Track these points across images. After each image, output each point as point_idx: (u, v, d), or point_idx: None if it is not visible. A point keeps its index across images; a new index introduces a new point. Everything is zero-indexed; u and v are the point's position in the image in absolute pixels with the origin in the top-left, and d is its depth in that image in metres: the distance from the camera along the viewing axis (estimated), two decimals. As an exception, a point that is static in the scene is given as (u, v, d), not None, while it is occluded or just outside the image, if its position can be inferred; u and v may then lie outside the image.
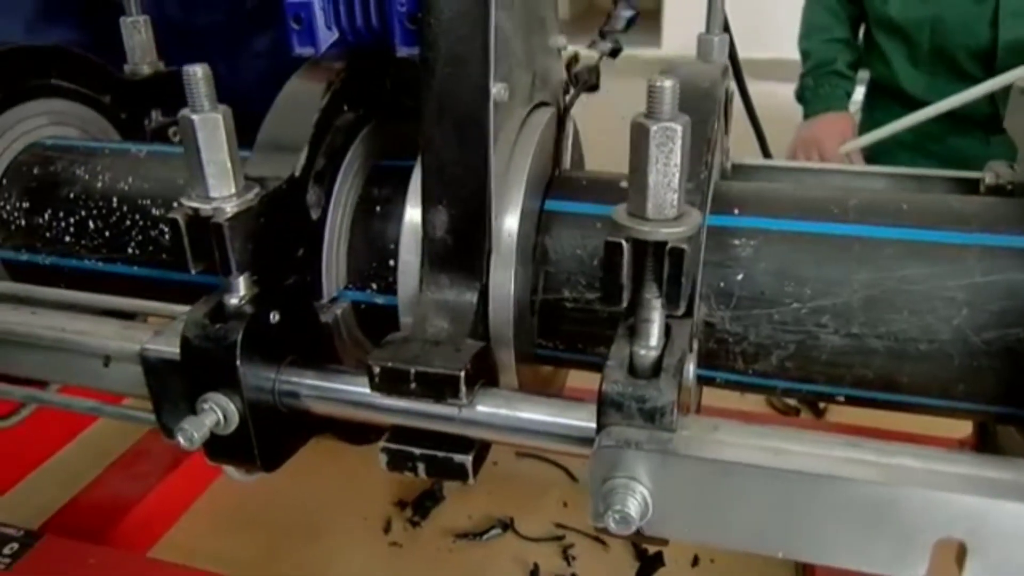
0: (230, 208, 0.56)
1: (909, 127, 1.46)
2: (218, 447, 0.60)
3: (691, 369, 0.52)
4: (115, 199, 0.78)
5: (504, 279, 0.61)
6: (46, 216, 0.80)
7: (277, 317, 0.61)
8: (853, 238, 0.60)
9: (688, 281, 0.48)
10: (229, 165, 0.56)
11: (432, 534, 1.01)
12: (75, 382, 0.69)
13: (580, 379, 0.80)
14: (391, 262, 0.69)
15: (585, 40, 0.80)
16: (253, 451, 0.61)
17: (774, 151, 1.14)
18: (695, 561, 0.95)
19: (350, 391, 0.60)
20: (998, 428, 0.69)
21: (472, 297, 0.61)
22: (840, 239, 0.61)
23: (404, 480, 1.06)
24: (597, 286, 0.64)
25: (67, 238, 0.80)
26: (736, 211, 0.63)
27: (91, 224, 0.79)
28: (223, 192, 0.56)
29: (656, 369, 0.50)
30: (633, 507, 0.47)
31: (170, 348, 0.60)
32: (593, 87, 0.77)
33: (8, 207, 0.82)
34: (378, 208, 0.71)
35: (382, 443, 0.59)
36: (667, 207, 0.47)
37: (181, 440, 0.56)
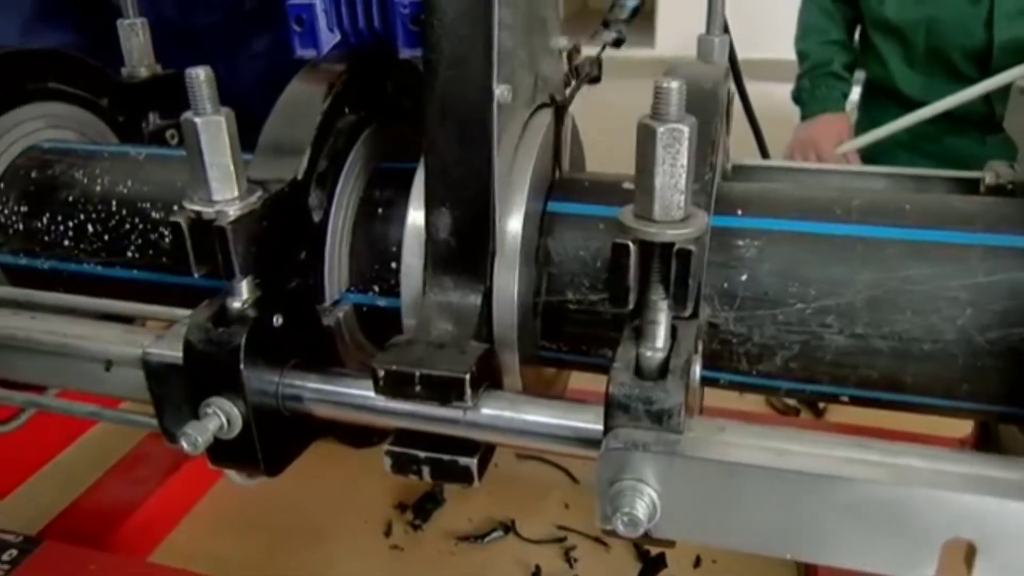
0: (233, 211, 0.56)
1: (905, 127, 1.47)
2: (221, 451, 0.60)
3: (697, 370, 0.52)
4: (114, 202, 0.78)
5: (508, 281, 0.61)
6: (44, 220, 0.80)
7: (280, 320, 0.61)
8: (856, 238, 0.60)
9: (695, 282, 0.48)
10: (232, 168, 0.56)
11: (433, 537, 1.01)
12: (76, 387, 0.69)
13: (580, 380, 0.80)
14: (393, 264, 0.69)
15: (579, 41, 0.80)
16: (256, 455, 0.60)
17: (772, 152, 1.14)
18: (697, 562, 0.95)
19: (354, 394, 0.60)
20: (1000, 427, 0.69)
21: (476, 299, 0.61)
22: (843, 239, 0.61)
23: (404, 483, 1.06)
24: (600, 288, 0.64)
25: (66, 242, 0.79)
26: (739, 212, 0.63)
27: (90, 228, 0.78)
28: (226, 195, 0.56)
29: (663, 371, 0.50)
30: (641, 509, 0.47)
31: (172, 352, 0.60)
32: (595, 79, 0.77)
33: (6, 211, 0.81)
34: (380, 210, 0.71)
35: (386, 446, 0.59)
36: (674, 208, 0.47)
37: (185, 445, 0.56)
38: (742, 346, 0.62)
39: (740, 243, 0.62)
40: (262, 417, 0.59)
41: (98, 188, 0.79)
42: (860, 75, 1.84)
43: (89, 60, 0.92)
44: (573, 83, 0.75)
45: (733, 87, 0.79)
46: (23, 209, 0.81)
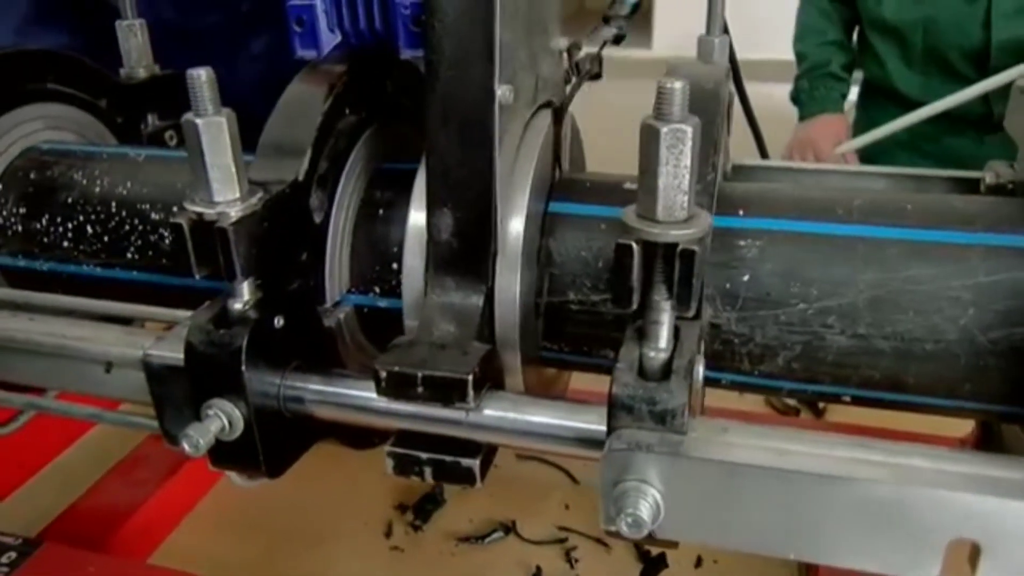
0: (234, 212, 0.55)
1: (904, 127, 1.47)
2: (222, 453, 0.60)
3: (700, 371, 0.52)
4: (114, 203, 0.78)
5: (510, 282, 0.61)
6: (44, 221, 0.80)
7: (281, 322, 0.61)
8: (858, 239, 0.60)
9: (699, 283, 0.48)
10: (233, 169, 0.55)
11: (434, 538, 1.01)
12: (76, 389, 0.68)
13: (581, 381, 0.80)
14: (394, 265, 0.69)
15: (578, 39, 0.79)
16: (258, 457, 0.60)
17: (770, 152, 1.14)
18: (698, 562, 0.95)
19: (355, 396, 0.60)
20: (1002, 427, 0.69)
21: (478, 300, 0.61)
22: (845, 240, 0.61)
23: (404, 484, 1.05)
24: (602, 288, 0.64)
25: (65, 243, 0.79)
26: (741, 212, 0.63)
27: (89, 229, 0.78)
28: (227, 196, 0.56)
29: (666, 371, 0.50)
30: (645, 510, 0.47)
31: (173, 354, 0.60)
32: (596, 75, 0.76)
33: (5, 212, 0.81)
34: (380, 211, 0.71)
35: (388, 447, 0.59)
36: (677, 209, 0.47)
37: (187, 447, 0.55)
38: (744, 346, 0.62)
39: (742, 243, 0.62)
40: (264, 419, 0.59)
41: (97, 189, 0.79)
42: (858, 75, 1.84)
43: (88, 61, 0.92)
44: (574, 80, 0.74)
45: (732, 88, 0.79)
46: (22, 210, 0.81)
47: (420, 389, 0.55)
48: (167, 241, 0.76)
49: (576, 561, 0.96)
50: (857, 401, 0.63)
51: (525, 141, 0.65)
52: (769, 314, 0.61)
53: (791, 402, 1.21)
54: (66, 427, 1.13)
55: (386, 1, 0.63)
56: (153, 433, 0.69)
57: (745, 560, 0.94)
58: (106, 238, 0.78)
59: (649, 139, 0.46)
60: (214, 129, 0.54)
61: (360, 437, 0.70)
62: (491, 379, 0.58)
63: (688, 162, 0.45)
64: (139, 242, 0.77)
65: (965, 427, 0.97)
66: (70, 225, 0.79)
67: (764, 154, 1.12)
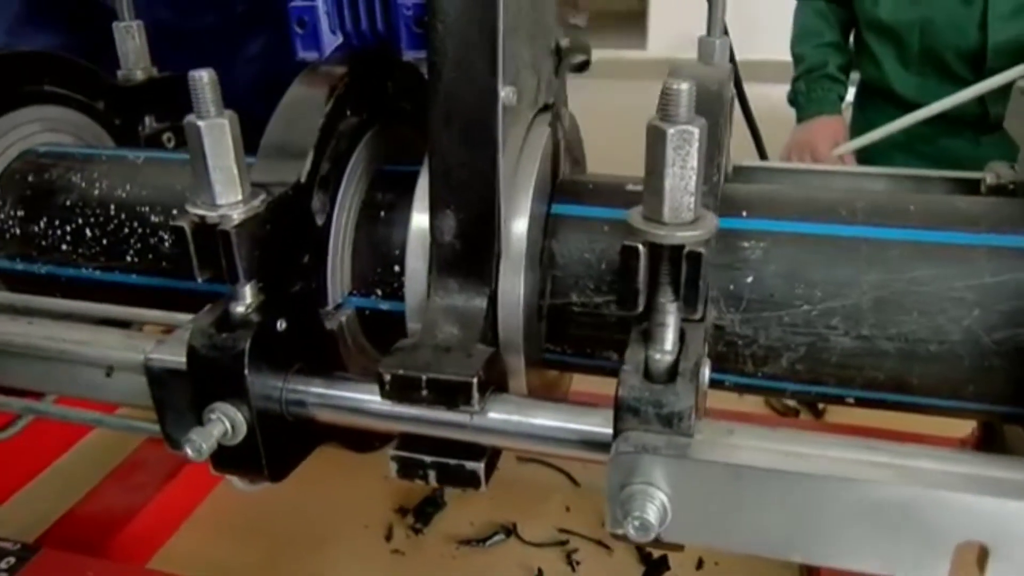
0: (237, 215, 0.55)
1: (901, 129, 1.48)
2: (224, 457, 0.59)
3: (706, 373, 0.52)
4: (113, 206, 0.77)
5: (514, 284, 0.61)
6: (42, 224, 0.79)
7: (284, 325, 0.60)
8: (861, 239, 0.60)
9: (705, 285, 0.48)
10: (236, 171, 0.55)
11: (435, 541, 1.00)
12: (76, 393, 0.68)
13: (581, 383, 0.79)
14: (396, 267, 0.69)
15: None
16: (261, 461, 0.60)
17: (769, 153, 1.14)
18: (699, 564, 0.95)
19: (359, 399, 0.60)
20: (1005, 428, 0.69)
21: (481, 302, 0.60)
22: (849, 241, 0.61)
23: (405, 487, 1.05)
24: (605, 290, 0.64)
25: (64, 246, 0.79)
26: (744, 213, 0.63)
27: (88, 232, 0.78)
28: (229, 199, 0.55)
29: (672, 373, 0.50)
30: (652, 513, 0.47)
31: (175, 357, 0.59)
32: (583, 65, 0.74)
33: (2, 215, 0.80)
34: (382, 213, 0.70)
35: (392, 451, 0.59)
36: (684, 210, 0.47)
37: (189, 451, 0.55)
38: (748, 348, 0.62)
39: (745, 245, 0.62)
40: (266, 422, 0.59)
41: (96, 192, 0.79)
42: (855, 76, 1.84)
43: (85, 63, 0.92)
44: (559, 69, 0.73)
45: (732, 89, 0.79)
46: (20, 213, 0.80)
47: (424, 392, 0.55)
48: (167, 244, 0.75)
49: (577, 563, 0.96)
50: (861, 403, 0.63)
51: (528, 142, 0.64)
52: (773, 315, 0.61)
53: (791, 403, 1.21)
54: (64, 431, 1.13)
55: (388, 2, 0.63)
56: (151, 437, 0.68)
57: (746, 562, 0.94)
58: (105, 241, 0.77)
59: (655, 140, 0.45)
60: (216, 131, 0.53)
61: (361, 440, 0.70)
62: (495, 382, 0.58)
63: (695, 163, 0.45)
64: (138, 245, 0.77)
65: (965, 428, 0.97)
66: (68, 228, 0.78)
67: (763, 155, 1.13)
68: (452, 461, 0.57)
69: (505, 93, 0.58)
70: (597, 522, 1.01)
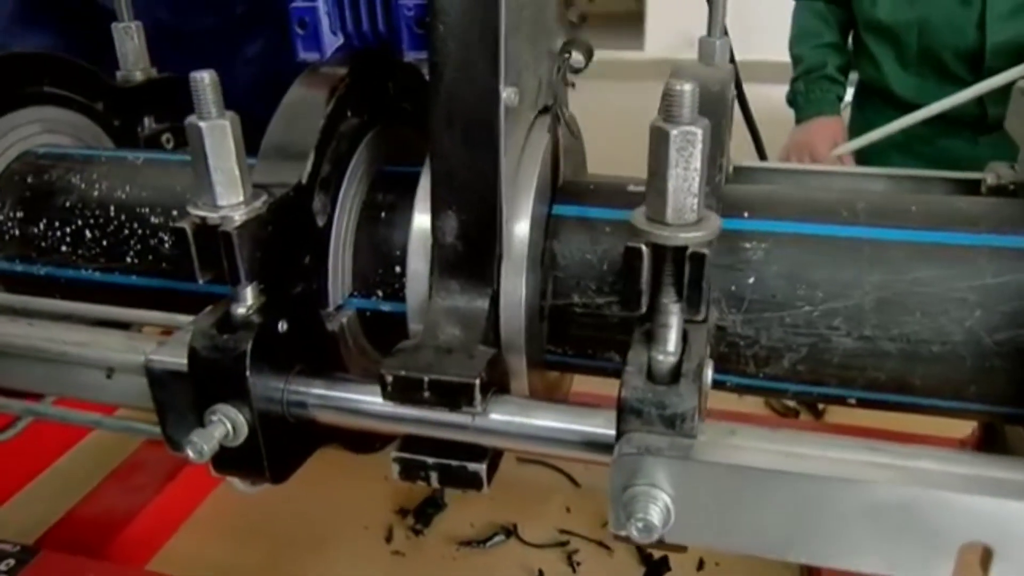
0: (238, 216, 0.55)
1: (899, 129, 1.48)
2: (226, 459, 0.59)
3: (709, 374, 0.52)
4: (112, 207, 0.77)
5: (515, 285, 0.61)
6: (41, 225, 0.79)
7: (285, 326, 0.60)
8: (864, 240, 0.60)
9: (708, 286, 0.48)
10: (237, 173, 0.55)
11: (435, 542, 1.00)
12: (77, 395, 0.68)
13: (581, 384, 0.79)
14: (397, 269, 0.69)
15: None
16: (262, 463, 0.60)
17: (768, 154, 1.14)
18: (700, 565, 0.95)
19: (360, 400, 0.60)
20: (1006, 428, 0.69)
21: (483, 303, 0.60)
22: (851, 241, 0.61)
23: (405, 488, 1.05)
24: (607, 291, 0.64)
25: (63, 247, 0.78)
26: (746, 214, 0.63)
27: (88, 233, 0.78)
28: (231, 200, 0.55)
29: (675, 375, 0.50)
30: (655, 515, 0.47)
31: (176, 359, 0.59)
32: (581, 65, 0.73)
33: (1, 217, 0.80)
34: (383, 214, 0.70)
35: (395, 452, 0.58)
36: (687, 211, 0.47)
37: (191, 453, 0.55)
38: (750, 349, 0.62)
39: (747, 245, 0.62)
40: (268, 424, 0.59)
41: (96, 193, 0.78)
42: (853, 76, 1.84)
43: (84, 64, 0.91)
44: (558, 72, 0.72)
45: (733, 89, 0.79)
46: (19, 215, 0.80)
47: (427, 393, 0.55)
48: (166, 245, 0.75)
49: (578, 564, 0.96)
50: (863, 403, 0.63)
51: (529, 143, 0.64)
52: (775, 316, 0.61)
53: (790, 403, 1.21)
54: (63, 433, 1.12)
55: (389, 3, 0.63)
56: (150, 438, 0.68)
57: (747, 562, 0.94)
58: (104, 242, 0.77)
59: (659, 141, 0.45)
60: (218, 132, 0.53)
61: (362, 441, 0.70)
62: (497, 383, 0.58)
63: (698, 164, 0.45)
64: (138, 246, 0.76)
65: (965, 428, 0.97)
66: (68, 229, 0.78)
67: (762, 156, 1.13)
68: (454, 462, 0.57)
69: (507, 94, 0.58)
70: (598, 523, 1.01)
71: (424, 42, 0.61)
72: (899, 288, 0.59)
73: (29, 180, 0.81)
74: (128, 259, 0.77)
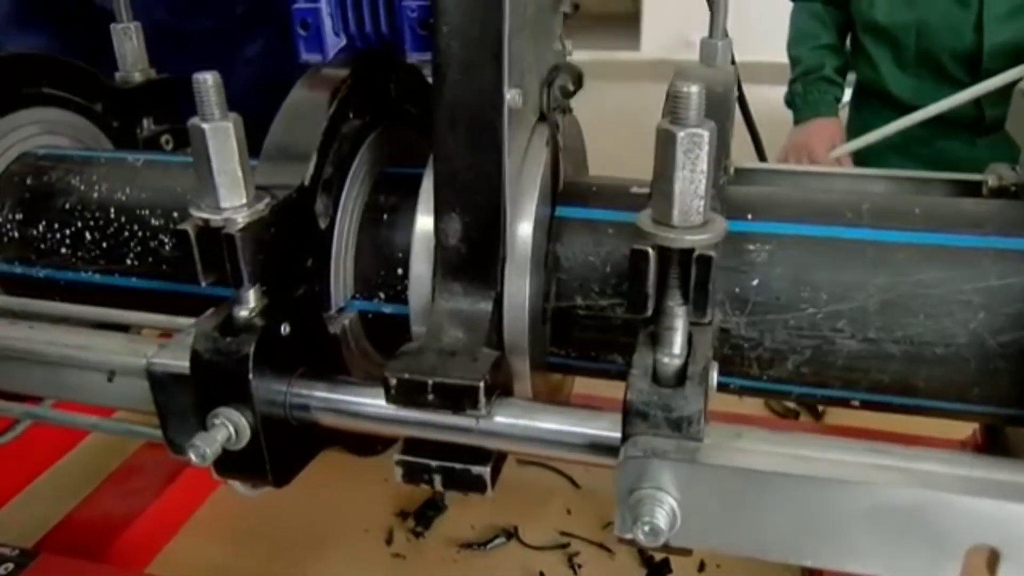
0: (241, 218, 0.55)
1: (897, 131, 1.48)
2: (228, 463, 0.59)
3: (715, 376, 0.52)
4: (113, 209, 0.77)
5: (519, 287, 0.61)
6: (41, 227, 0.79)
7: (287, 329, 0.60)
8: (868, 242, 0.60)
9: (714, 288, 0.47)
10: (240, 174, 0.55)
11: (435, 544, 1.00)
12: (77, 398, 0.67)
13: (581, 385, 0.79)
14: (399, 271, 0.69)
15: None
16: (264, 466, 0.59)
17: (767, 155, 1.14)
18: (701, 567, 0.95)
19: (363, 403, 0.59)
20: (1008, 430, 0.69)
21: (487, 306, 0.60)
22: (855, 243, 0.61)
23: (405, 490, 1.05)
24: (610, 292, 0.64)
25: (63, 249, 0.78)
26: (749, 216, 0.63)
27: (88, 235, 0.77)
28: (234, 202, 0.55)
29: (681, 377, 0.50)
30: (662, 518, 0.47)
31: (178, 362, 0.59)
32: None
33: (1, 218, 0.80)
34: (385, 216, 0.70)
35: (397, 455, 0.58)
36: (693, 214, 0.46)
37: (193, 457, 0.55)
38: (753, 351, 0.62)
39: (751, 247, 0.62)
40: (270, 427, 0.58)
41: (95, 195, 0.78)
42: (851, 77, 1.85)
43: (83, 65, 0.91)
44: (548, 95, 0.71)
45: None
46: (18, 216, 0.79)
47: (431, 396, 0.54)
48: (167, 247, 0.75)
49: (579, 566, 0.96)
50: (866, 405, 0.63)
51: (532, 144, 0.64)
52: (779, 318, 0.61)
53: (790, 405, 1.21)
54: (61, 436, 1.12)
55: (392, 4, 0.63)
56: (149, 441, 0.68)
57: (748, 564, 0.94)
58: (104, 244, 0.77)
59: (665, 143, 0.45)
60: (221, 134, 0.53)
61: (363, 444, 0.70)
62: (500, 385, 0.58)
63: (705, 167, 0.45)
64: (138, 248, 0.76)
65: (965, 430, 0.97)
66: (68, 231, 0.78)
67: (762, 156, 1.13)
68: (458, 465, 0.57)
69: (511, 95, 0.57)
70: (598, 524, 1.00)
71: (427, 43, 0.60)
72: (903, 290, 0.58)
73: (28, 182, 0.81)
74: (128, 261, 0.76)
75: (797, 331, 0.61)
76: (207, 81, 0.53)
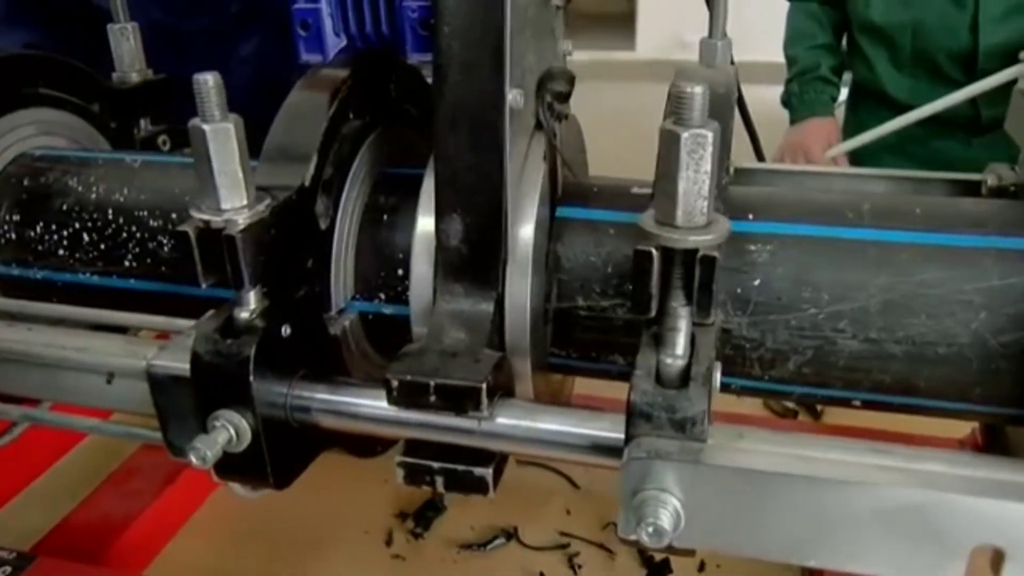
0: (242, 220, 0.54)
1: (893, 131, 1.48)
2: (228, 465, 0.58)
3: (718, 377, 0.52)
4: (110, 210, 0.76)
5: (520, 288, 0.61)
6: (38, 229, 0.78)
7: (288, 330, 0.60)
8: (869, 242, 0.60)
9: (718, 289, 0.47)
10: (241, 176, 0.54)
11: (435, 545, 1.00)
12: (76, 400, 0.67)
13: (581, 386, 0.79)
14: (399, 271, 0.68)
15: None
16: (265, 468, 0.59)
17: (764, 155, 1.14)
18: (701, 567, 0.95)
19: (364, 405, 0.59)
20: (1009, 430, 0.70)
21: (488, 307, 0.60)
22: (856, 243, 0.61)
23: (405, 491, 1.04)
24: (611, 293, 0.64)
25: (60, 251, 0.78)
26: (750, 216, 0.63)
27: (85, 236, 0.77)
28: (234, 203, 0.55)
29: (684, 378, 0.50)
30: (666, 519, 0.46)
31: (178, 364, 0.58)
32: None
33: (-2, 220, 0.79)
34: (385, 217, 0.70)
35: (399, 457, 0.58)
36: (697, 214, 0.46)
37: (193, 459, 0.54)
38: (755, 351, 0.62)
39: (752, 248, 0.62)
40: (271, 429, 0.58)
41: (93, 196, 0.78)
42: (847, 77, 1.85)
43: (80, 65, 0.91)
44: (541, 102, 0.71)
45: (735, 91, 0.79)
46: (15, 218, 0.79)
47: (433, 398, 0.54)
48: (165, 248, 0.75)
49: (579, 567, 0.96)
50: (868, 405, 0.63)
51: (533, 145, 0.64)
52: (780, 319, 0.61)
53: (789, 404, 1.21)
54: (58, 438, 1.11)
55: (393, 4, 0.62)
56: (149, 443, 0.67)
57: (748, 565, 0.94)
58: (103, 245, 0.76)
59: (669, 144, 0.45)
60: (222, 135, 0.53)
61: (363, 445, 0.69)
62: (502, 387, 0.57)
63: (709, 167, 0.45)
64: (136, 249, 0.76)
65: (964, 429, 0.98)
66: (65, 232, 0.77)
67: (760, 157, 1.13)
68: (460, 467, 0.57)
69: (512, 96, 0.57)
70: (598, 525, 1.00)
71: (428, 44, 0.60)
72: (905, 290, 0.59)
73: (25, 183, 0.80)
74: (126, 262, 0.76)
75: (799, 331, 0.61)
76: (208, 82, 0.52)
